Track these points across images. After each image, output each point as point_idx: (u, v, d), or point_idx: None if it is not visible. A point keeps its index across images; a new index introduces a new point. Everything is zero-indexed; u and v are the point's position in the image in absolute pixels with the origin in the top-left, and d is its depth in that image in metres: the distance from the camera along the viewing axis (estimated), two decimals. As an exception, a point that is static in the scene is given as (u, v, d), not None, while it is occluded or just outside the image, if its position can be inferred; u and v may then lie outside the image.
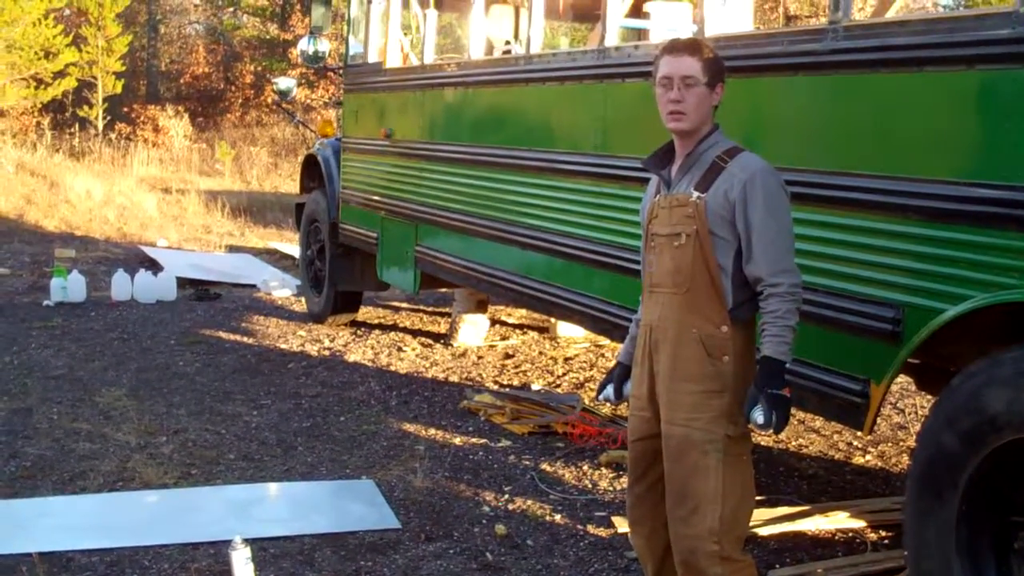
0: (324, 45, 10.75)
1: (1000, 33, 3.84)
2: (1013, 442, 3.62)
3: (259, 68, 35.57)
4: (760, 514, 5.37)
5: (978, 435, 3.72)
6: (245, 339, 10.14)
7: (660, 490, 3.89)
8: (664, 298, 3.82)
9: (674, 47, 3.84)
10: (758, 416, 3.60)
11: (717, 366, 3.73)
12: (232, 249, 16.55)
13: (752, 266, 3.69)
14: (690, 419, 3.74)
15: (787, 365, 3.67)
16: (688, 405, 3.74)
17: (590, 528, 5.62)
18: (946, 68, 4.12)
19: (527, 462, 6.64)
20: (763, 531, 5.40)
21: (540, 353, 9.82)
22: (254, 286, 13.24)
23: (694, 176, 3.79)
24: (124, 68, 33.09)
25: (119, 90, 31.88)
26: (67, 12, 33.41)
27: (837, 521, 5.59)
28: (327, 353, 9.64)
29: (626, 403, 4.13)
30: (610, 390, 4.19)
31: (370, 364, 9.26)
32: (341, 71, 10.91)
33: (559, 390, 8.47)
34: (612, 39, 6.42)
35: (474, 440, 7.08)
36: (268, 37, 36.64)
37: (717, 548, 3.72)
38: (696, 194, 3.73)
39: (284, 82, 12.24)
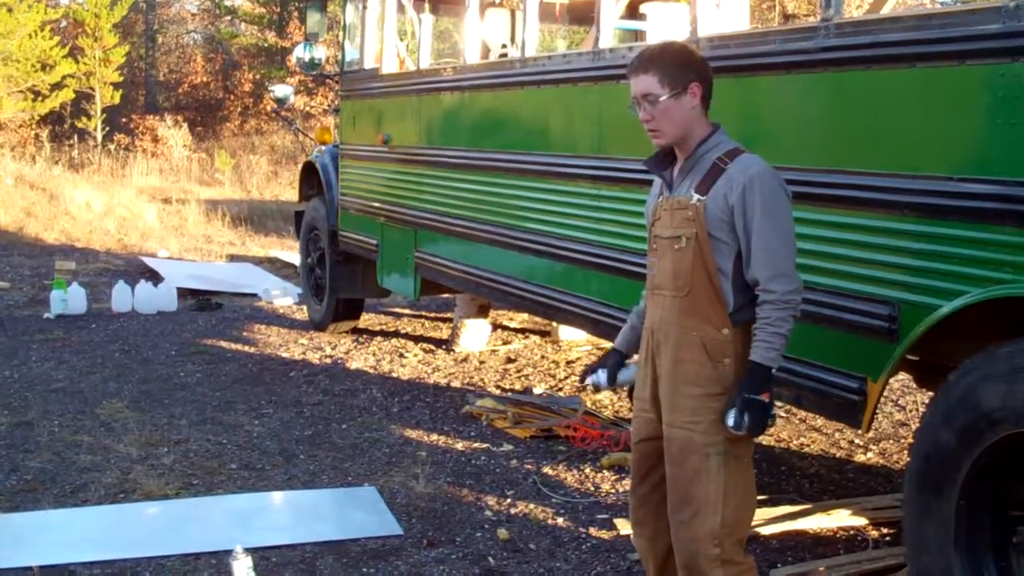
0: (320, 52, 10.75)
1: (991, 28, 3.84)
2: (1009, 437, 3.63)
3: (258, 76, 35.55)
4: (762, 513, 5.36)
5: (975, 431, 3.73)
6: (246, 348, 10.14)
7: (663, 491, 3.87)
8: (665, 300, 3.80)
9: (630, 66, 3.82)
10: (729, 418, 3.61)
11: (718, 368, 3.71)
12: (233, 258, 16.57)
13: (750, 271, 3.66)
14: (691, 422, 3.72)
15: (773, 371, 3.65)
16: (689, 408, 3.73)
17: (592, 531, 5.62)
18: (938, 64, 4.12)
19: (529, 466, 6.64)
20: (765, 530, 5.40)
21: (542, 357, 9.82)
22: (255, 295, 13.24)
23: (695, 178, 3.76)
24: (122, 79, 33.19)
25: (117, 101, 31.95)
26: (63, 23, 33.53)
27: (838, 519, 5.59)
28: (329, 361, 9.64)
29: (615, 391, 4.10)
30: (602, 375, 4.13)
31: (372, 371, 9.26)
32: (338, 78, 10.91)
33: (561, 394, 8.47)
34: (607, 41, 6.42)
35: (476, 445, 7.08)
36: (266, 45, 36.58)
37: (718, 551, 3.71)
38: (696, 197, 3.71)
39: (281, 89, 12.19)
